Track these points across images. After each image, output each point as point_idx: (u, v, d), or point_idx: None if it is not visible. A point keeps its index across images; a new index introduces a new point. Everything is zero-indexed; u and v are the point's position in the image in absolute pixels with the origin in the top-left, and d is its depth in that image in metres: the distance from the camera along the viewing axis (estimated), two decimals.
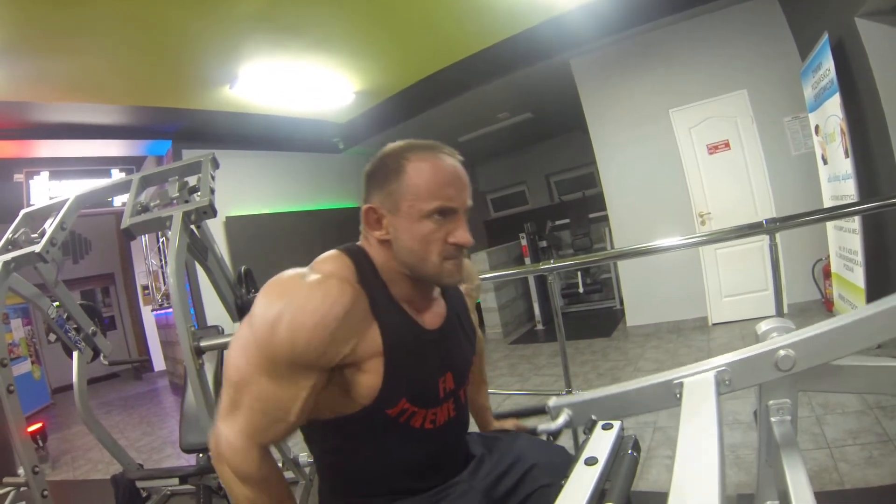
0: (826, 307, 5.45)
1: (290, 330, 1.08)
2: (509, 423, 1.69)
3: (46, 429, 5.49)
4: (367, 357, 1.17)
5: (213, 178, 2.49)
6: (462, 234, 1.23)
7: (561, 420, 1.40)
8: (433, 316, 1.34)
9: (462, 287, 1.51)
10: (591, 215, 9.52)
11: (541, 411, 1.53)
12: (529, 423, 1.64)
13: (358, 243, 1.32)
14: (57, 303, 3.17)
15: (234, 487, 1.15)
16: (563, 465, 1.28)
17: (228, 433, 1.13)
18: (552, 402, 1.45)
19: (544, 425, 1.47)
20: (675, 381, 1.21)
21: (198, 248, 2.62)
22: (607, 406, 1.36)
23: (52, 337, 3.41)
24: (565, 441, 1.58)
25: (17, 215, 2.88)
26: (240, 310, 3.13)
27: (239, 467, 1.12)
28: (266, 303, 1.13)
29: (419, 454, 1.27)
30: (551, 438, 1.44)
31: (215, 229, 3.26)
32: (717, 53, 5.92)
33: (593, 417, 1.36)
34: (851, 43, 4.16)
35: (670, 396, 1.22)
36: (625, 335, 6.77)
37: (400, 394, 1.20)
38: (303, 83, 6.11)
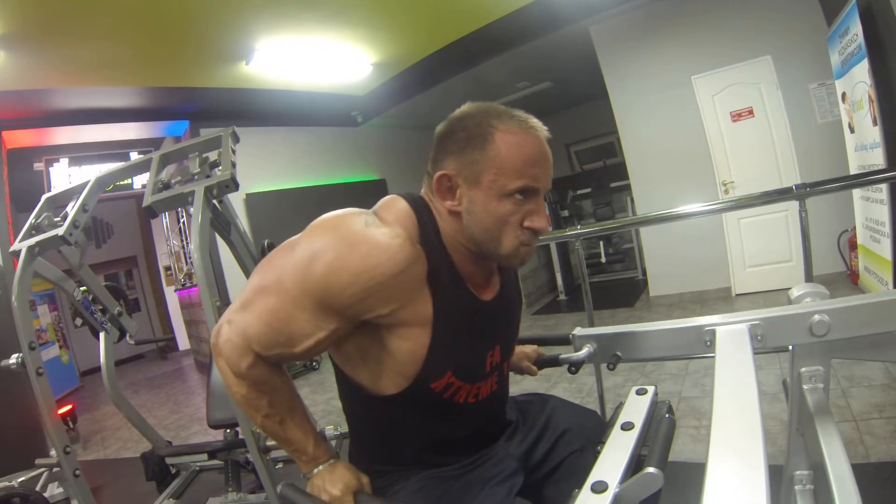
0: (851, 280, 5.35)
1: (330, 269, 1.02)
2: (529, 349, 1.68)
3: (76, 410, 5.57)
4: (410, 324, 1.10)
5: (233, 151, 2.49)
6: (540, 220, 1.13)
7: (584, 352, 1.38)
8: (489, 288, 1.27)
9: None
10: (613, 185, 9.49)
11: (564, 341, 1.51)
12: (551, 352, 1.63)
13: (422, 194, 1.22)
14: (83, 287, 3.21)
15: (231, 383, 1.14)
16: (594, 429, 1.27)
17: (230, 329, 1.10)
18: (577, 331, 1.43)
19: (566, 355, 1.44)
20: (707, 328, 1.19)
21: (221, 222, 2.63)
22: (632, 344, 1.33)
23: (79, 321, 3.46)
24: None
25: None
26: None
27: (234, 364, 1.10)
28: (315, 231, 1.08)
29: (459, 429, 1.24)
30: (573, 369, 1.41)
31: (236, 207, 3.27)
32: (741, 18, 5.76)
33: (618, 353, 1.34)
34: (880, 7, 4.01)
35: (699, 343, 1.19)
36: (648, 305, 6.75)
37: (446, 366, 1.14)
38: (319, 57, 6.05)
